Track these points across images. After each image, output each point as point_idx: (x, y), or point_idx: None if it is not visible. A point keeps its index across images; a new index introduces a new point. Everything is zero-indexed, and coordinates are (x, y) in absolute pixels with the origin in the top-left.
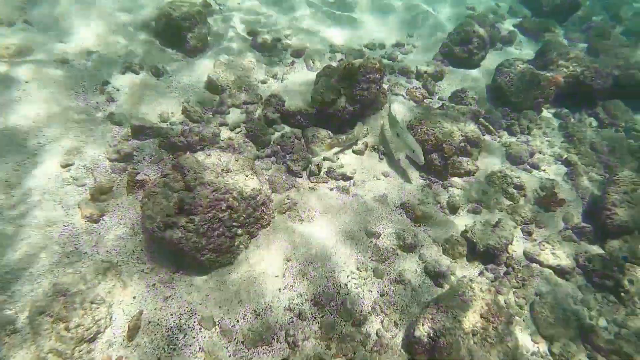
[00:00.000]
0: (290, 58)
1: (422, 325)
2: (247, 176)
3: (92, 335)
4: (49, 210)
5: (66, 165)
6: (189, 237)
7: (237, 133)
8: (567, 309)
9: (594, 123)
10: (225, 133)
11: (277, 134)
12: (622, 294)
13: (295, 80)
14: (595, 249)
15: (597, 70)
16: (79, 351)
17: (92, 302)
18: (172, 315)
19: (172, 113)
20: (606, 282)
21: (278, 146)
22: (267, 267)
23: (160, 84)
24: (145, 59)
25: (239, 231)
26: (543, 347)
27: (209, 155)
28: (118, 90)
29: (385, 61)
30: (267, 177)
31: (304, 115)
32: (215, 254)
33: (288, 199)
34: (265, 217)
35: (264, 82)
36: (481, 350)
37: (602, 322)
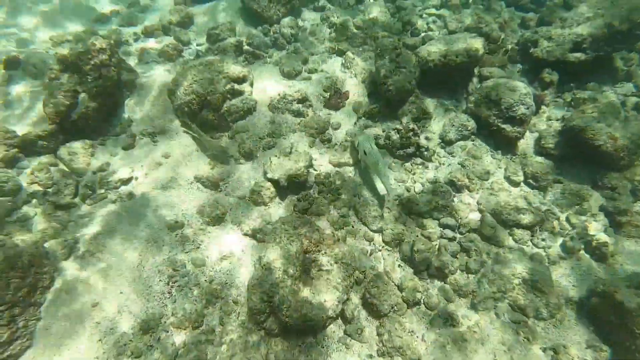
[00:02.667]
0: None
1: (254, 295)
2: None
3: None
4: None
5: None
6: None
7: None
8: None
9: (352, 2)
10: None
11: (25, 172)
12: (425, 152)
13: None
14: (390, 124)
15: None
16: None
17: None
18: None
19: None
20: (407, 150)
21: (33, 184)
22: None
23: None
24: None
25: (16, 310)
26: (378, 239)
27: None
28: None
29: (122, 30)
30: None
31: (47, 138)
32: None
33: (66, 240)
34: (45, 276)
35: None
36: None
37: (418, 187)
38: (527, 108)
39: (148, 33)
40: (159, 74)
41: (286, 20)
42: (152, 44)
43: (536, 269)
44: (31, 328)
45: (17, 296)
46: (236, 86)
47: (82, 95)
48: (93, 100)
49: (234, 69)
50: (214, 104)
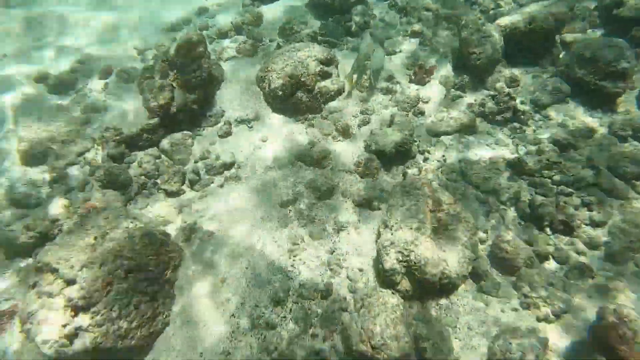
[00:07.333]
0: (100, 82)
1: (387, 255)
2: (128, 225)
3: None
4: None
5: None
6: (103, 331)
7: (91, 190)
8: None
9: None
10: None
11: (134, 165)
12: (522, 116)
13: (121, 100)
14: (480, 95)
15: None
16: None
17: None
18: None
19: None
20: (505, 115)
21: (142, 177)
22: (204, 306)
23: None
24: None
25: (156, 287)
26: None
27: (70, 231)
28: None
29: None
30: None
31: (150, 131)
32: (145, 329)
33: (184, 222)
34: (173, 255)
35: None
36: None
37: (522, 151)
38: (629, 62)
39: (222, 34)
40: (242, 68)
41: (357, 9)
42: (227, 43)
43: None
44: (168, 305)
45: (153, 275)
46: (325, 68)
47: (179, 88)
48: (192, 93)
49: (317, 50)
50: (308, 85)
